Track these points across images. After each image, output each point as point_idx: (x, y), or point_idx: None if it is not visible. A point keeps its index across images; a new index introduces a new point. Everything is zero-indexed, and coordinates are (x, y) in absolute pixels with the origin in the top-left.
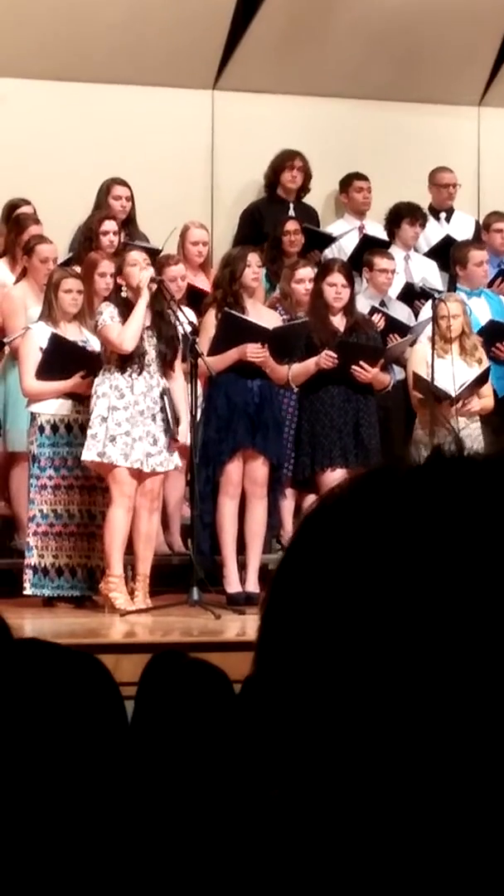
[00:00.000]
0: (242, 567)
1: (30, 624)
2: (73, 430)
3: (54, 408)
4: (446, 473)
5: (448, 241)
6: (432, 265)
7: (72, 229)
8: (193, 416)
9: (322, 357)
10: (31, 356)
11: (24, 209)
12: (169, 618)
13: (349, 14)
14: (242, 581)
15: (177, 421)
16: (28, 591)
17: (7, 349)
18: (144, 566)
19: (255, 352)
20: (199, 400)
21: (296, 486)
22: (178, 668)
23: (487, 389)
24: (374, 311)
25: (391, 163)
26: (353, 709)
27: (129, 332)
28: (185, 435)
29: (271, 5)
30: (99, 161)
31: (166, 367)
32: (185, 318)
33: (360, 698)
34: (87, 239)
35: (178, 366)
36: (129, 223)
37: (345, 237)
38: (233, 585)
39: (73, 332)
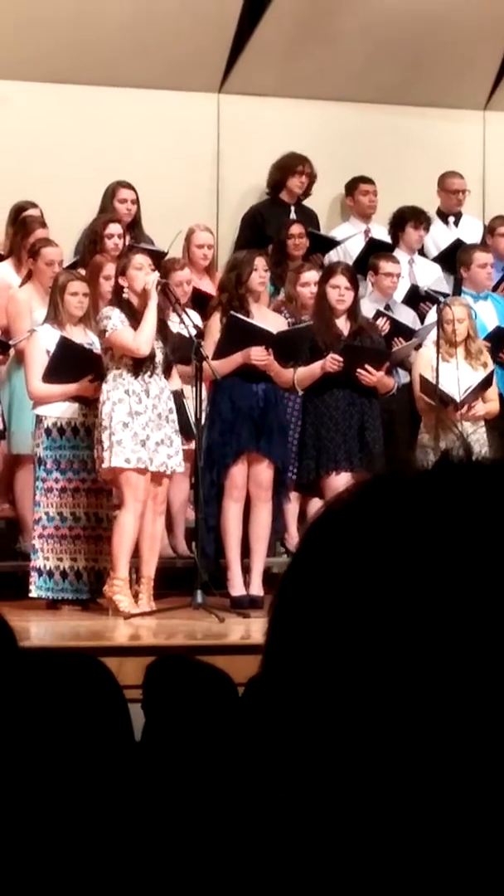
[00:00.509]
0: (246, 570)
1: (34, 627)
2: (80, 433)
3: (60, 411)
4: (454, 479)
5: (458, 245)
6: (436, 269)
7: (77, 232)
8: (198, 420)
9: (327, 361)
10: (37, 359)
11: (30, 212)
12: (173, 621)
13: (355, 18)
14: (246, 584)
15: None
16: (33, 593)
17: (12, 352)
18: (149, 569)
19: (259, 356)
20: (204, 403)
21: (300, 489)
22: (182, 671)
23: (493, 393)
24: (379, 314)
25: (396, 166)
26: (360, 712)
27: (144, 335)
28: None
29: (277, 9)
30: (104, 164)
31: (168, 371)
32: (191, 321)
33: (367, 702)
34: (92, 242)
35: (174, 370)
36: (134, 226)
37: (350, 240)
38: (237, 589)
39: (79, 335)
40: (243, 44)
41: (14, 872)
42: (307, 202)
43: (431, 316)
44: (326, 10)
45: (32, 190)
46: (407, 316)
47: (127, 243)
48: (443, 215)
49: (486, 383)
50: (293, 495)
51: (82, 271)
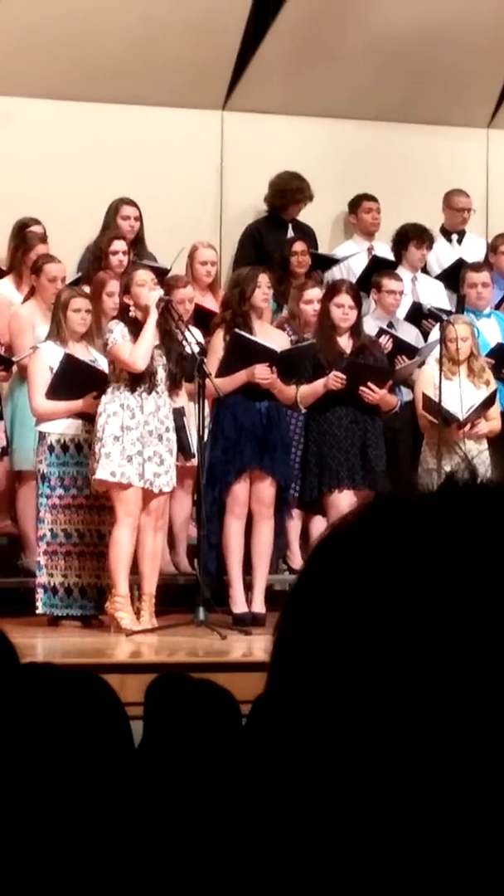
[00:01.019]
0: (248, 587)
1: (36, 643)
2: (83, 449)
3: (63, 427)
4: (459, 502)
5: (460, 264)
6: (439, 287)
7: (80, 249)
8: (201, 437)
9: (330, 378)
10: (40, 376)
11: (33, 228)
12: (175, 638)
13: (359, 36)
14: (248, 601)
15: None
16: (40, 609)
17: (15, 368)
18: (150, 586)
19: (262, 374)
20: (207, 420)
21: (302, 507)
22: (183, 688)
23: (495, 412)
24: (381, 332)
25: (400, 184)
26: (365, 732)
27: (140, 351)
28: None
29: (281, 26)
30: (108, 181)
31: (175, 387)
32: (193, 338)
33: (373, 722)
34: (96, 258)
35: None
36: (137, 243)
37: (353, 258)
38: (239, 606)
39: (81, 352)
40: (247, 61)
41: (14, 887)
42: (305, 218)
43: (434, 334)
44: (330, 27)
45: (36, 206)
46: (410, 334)
47: (130, 260)
48: (446, 233)
49: (488, 401)
50: (295, 513)
51: (86, 288)
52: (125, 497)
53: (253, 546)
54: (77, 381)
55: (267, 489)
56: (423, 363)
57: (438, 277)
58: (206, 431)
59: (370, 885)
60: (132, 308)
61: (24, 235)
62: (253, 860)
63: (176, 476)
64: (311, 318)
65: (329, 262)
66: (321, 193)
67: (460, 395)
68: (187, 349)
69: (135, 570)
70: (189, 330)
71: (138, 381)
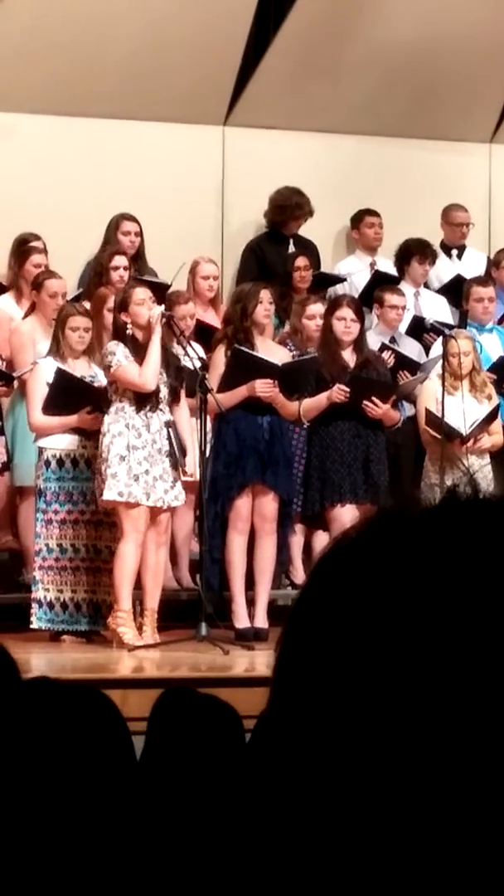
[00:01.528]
0: (251, 603)
1: (38, 659)
2: (79, 464)
3: (60, 443)
4: (461, 516)
5: (459, 280)
6: (442, 301)
7: (80, 264)
8: (203, 452)
9: (334, 391)
10: (39, 391)
11: (33, 244)
12: (177, 653)
13: (360, 51)
14: (251, 617)
15: (183, 452)
16: (34, 624)
17: (16, 384)
18: (153, 601)
19: (263, 387)
20: (209, 436)
21: (305, 521)
22: (188, 703)
23: (497, 426)
24: (384, 347)
25: (402, 199)
26: (369, 746)
27: (150, 371)
28: (191, 466)
29: (283, 42)
30: (108, 196)
31: (176, 400)
32: (195, 353)
33: (376, 736)
34: (97, 274)
35: (183, 396)
36: (137, 258)
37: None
38: (241, 621)
39: (83, 368)
40: (248, 77)
41: None
42: (307, 233)
43: (437, 349)
44: (332, 42)
45: (36, 222)
46: (412, 349)
47: (130, 276)
48: (446, 248)
49: (491, 416)
50: (298, 527)
51: (86, 303)
52: (133, 514)
53: (255, 561)
54: (71, 397)
55: (269, 504)
56: (425, 378)
57: (439, 292)
58: (208, 447)
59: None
60: (129, 326)
61: (24, 251)
62: (254, 874)
63: None
64: (313, 333)
65: (331, 281)
66: (323, 208)
67: (463, 409)
68: (189, 365)
69: (137, 585)
70: (191, 345)
71: (143, 400)
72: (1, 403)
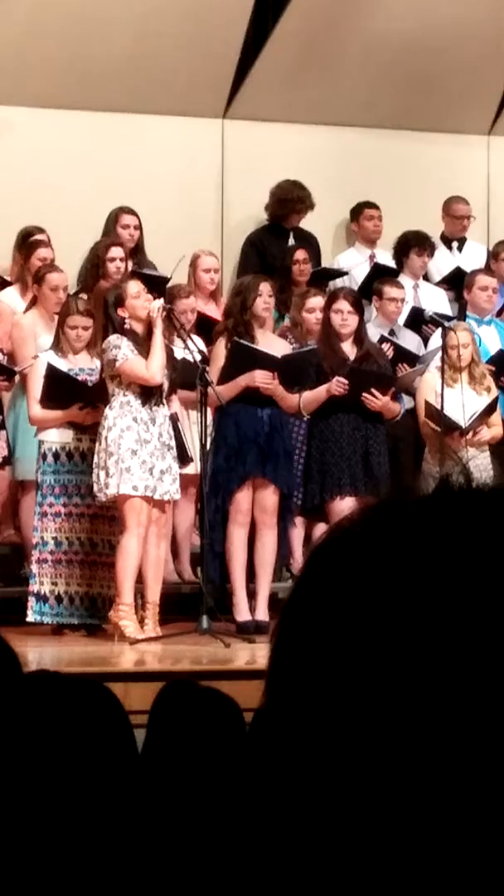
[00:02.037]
0: (252, 595)
1: (39, 652)
2: (74, 457)
3: (57, 436)
4: (454, 505)
5: (459, 273)
6: (441, 294)
7: (81, 258)
8: (203, 445)
9: (333, 383)
10: (38, 384)
11: (37, 237)
12: (179, 646)
13: (359, 43)
14: (252, 609)
15: (182, 445)
16: (30, 617)
17: (17, 378)
18: (154, 594)
19: (263, 378)
20: (210, 429)
21: (305, 514)
22: (189, 696)
23: (496, 418)
24: (383, 339)
25: (401, 192)
26: (365, 738)
27: (156, 364)
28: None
29: (281, 35)
30: (108, 190)
31: (172, 393)
32: (195, 346)
33: (372, 728)
34: (93, 266)
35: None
36: (137, 252)
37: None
38: (242, 614)
39: (84, 361)
40: (247, 70)
41: (20, 893)
42: (307, 226)
43: (435, 341)
44: (331, 35)
45: (37, 216)
46: (411, 341)
47: (129, 269)
48: (446, 240)
49: (490, 409)
50: (298, 520)
51: (84, 296)
52: (136, 507)
53: (256, 554)
54: (63, 391)
55: (270, 497)
56: (424, 370)
57: (438, 284)
58: (209, 440)
59: (370, 893)
60: (128, 320)
61: (30, 244)
62: (254, 867)
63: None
64: (313, 326)
65: (330, 276)
66: (322, 201)
67: (462, 402)
68: (189, 358)
69: (138, 578)
70: (191, 338)
71: (149, 393)
72: (2, 397)
